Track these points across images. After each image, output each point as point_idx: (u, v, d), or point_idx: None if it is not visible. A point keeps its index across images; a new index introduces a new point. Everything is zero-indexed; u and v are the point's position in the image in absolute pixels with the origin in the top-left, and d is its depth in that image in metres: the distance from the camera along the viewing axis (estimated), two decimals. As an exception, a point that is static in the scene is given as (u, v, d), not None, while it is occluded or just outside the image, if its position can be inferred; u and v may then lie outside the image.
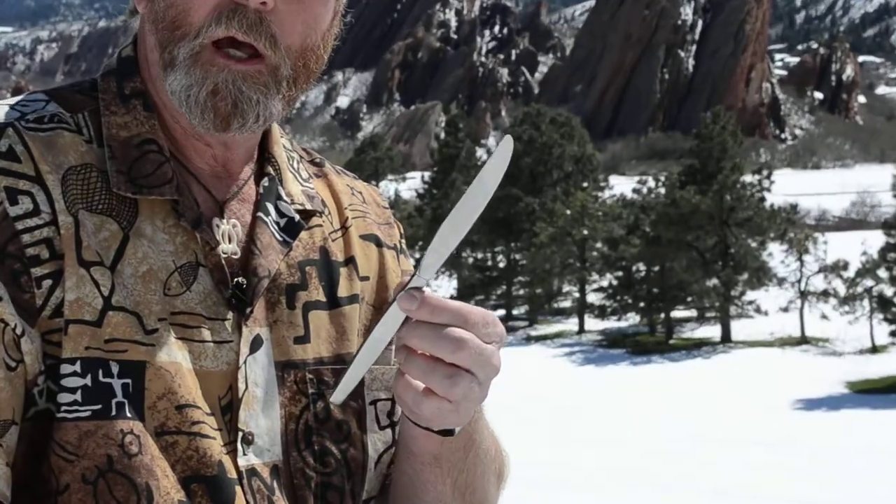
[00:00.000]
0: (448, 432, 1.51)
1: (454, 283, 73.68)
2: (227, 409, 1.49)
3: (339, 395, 1.43)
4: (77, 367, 1.41)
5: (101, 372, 1.41)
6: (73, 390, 1.40)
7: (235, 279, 1.52)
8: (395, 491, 1.65)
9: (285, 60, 1.48)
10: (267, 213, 1.58)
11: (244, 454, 1.49)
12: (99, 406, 1.40)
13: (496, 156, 1.41)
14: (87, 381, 1.41)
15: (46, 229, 1.42)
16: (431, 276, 1.38)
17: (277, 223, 1.58)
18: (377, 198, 1.79)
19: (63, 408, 1.40)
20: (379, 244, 1.72)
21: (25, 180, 1.43)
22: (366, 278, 1.67)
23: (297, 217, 1.60)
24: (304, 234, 1.61)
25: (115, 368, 1.42)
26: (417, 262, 1.41)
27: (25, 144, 1.46)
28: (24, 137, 1.46)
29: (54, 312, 1.41)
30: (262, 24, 1.44)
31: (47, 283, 1.41)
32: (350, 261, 1.66)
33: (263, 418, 1.51)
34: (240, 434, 1.49)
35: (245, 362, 1.50)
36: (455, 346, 1.39)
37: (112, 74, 1.57)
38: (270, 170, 1.61)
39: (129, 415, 1.41)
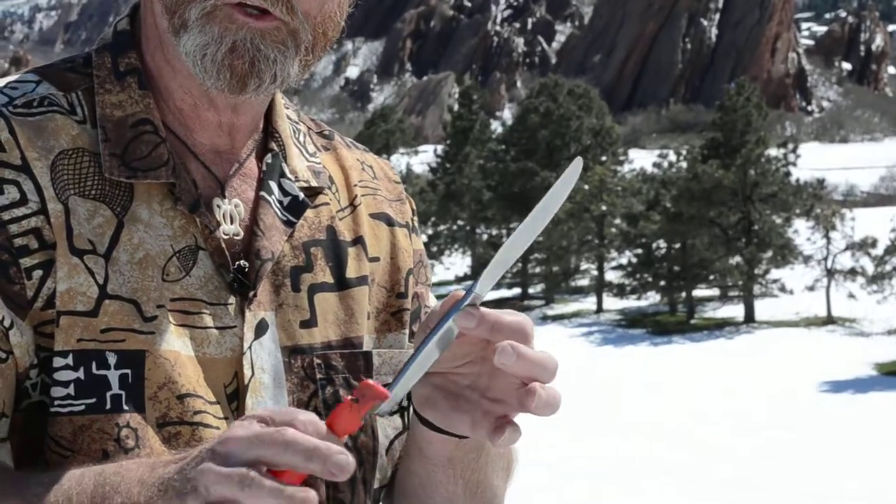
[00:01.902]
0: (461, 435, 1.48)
1: (468, 260, 73.79)
2: (234, 396, 1.49)
3: (385, 408, 1.37)
4: (69, 360, 1.41)
5: (94, 364, 1.41)
6: (65, 384, 1.40)
7: (237, 262, 1.51)
8: (403, 489, 1.65)
9: (304, 25, 1.47)
10: (270, 192, 1.57)
11: None
12: (93, 400, 1.40)
13: (564, 178, 1.41)
14: (80, 374, 1.41)
15: (34, 219, 1.42)
16: (486, 293, 1.35)
17: (281, 202, 1.57)
18: (389, 172, 1.78)
19: (56, 402, 1.40)
20: (390, 223, 1.70)
21: (10, 169, 1.43)
22: (375, 259, 1.66)
23: (302, 196, 1.59)
24: (309, 213, 1.60)
25: (112, 359, 1.42)
26: (475, 281, 1.37)
27: (12, 131, 1.45)
28: (12, 123, 1.46)
29: (46, 304, 1.42)
30: None
31: (38, 273, 1.42)
32: (359, 240, 1.65)
33: (271, 404, 1.51)
34: None
35: (250, 348, 1.50)
36: (548, 374, 1.37)
37: (107, 49, 1.55)
38: (274, 145, 1.60)
39: (125, 408, 1.41)
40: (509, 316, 1.36)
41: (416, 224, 1.77)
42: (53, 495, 1.30)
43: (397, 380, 1.35)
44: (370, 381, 1.22)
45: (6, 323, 1.41)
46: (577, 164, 1.41)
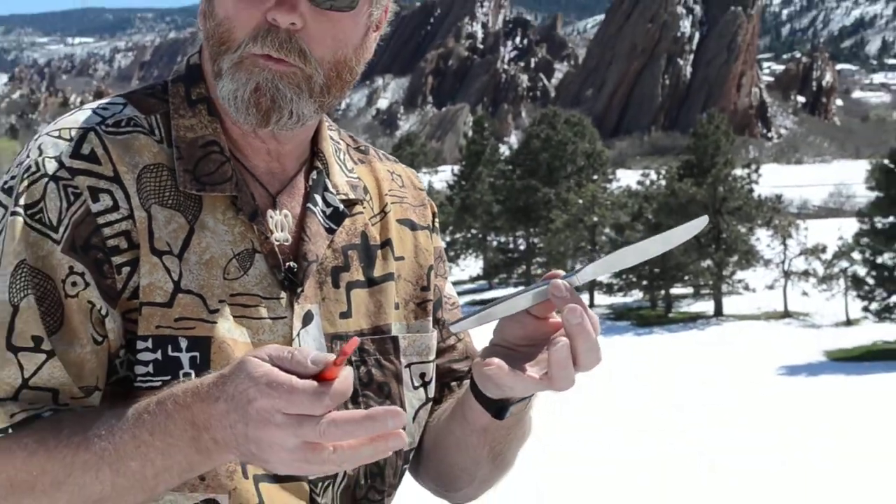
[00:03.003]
0: (500, 415, 1.52)
1: (480, 262, 73.68)
2: None
3: (457, 327, 1.45)
4: (149, 344, 1.43)
5: (169, 347, 1.43)
6: (146, 363, 1.43)
7: (287, 263, 1.53)
8: (440, 443, 1.67)
9: (318, 70, 1.47)
10: (315, 204, 1.58)
11: None
12: (168, 377, 1.42)
13: (688, 226, 1.43)
14: (158, 355, 1.43)
15: (124, 223, 1.44)
16: (585, 282, 1.40)
17: (324, 212, 1.58)
18: (414, 180, 1.78)
19: (139, 378, 1.43)
20: (413, 227, 1.71)
21: (105, 180, 1.44)
22: (401, 258, 1.67)
23: (342, 207, 1.61)
24: (347, 221, 1.61)
25: (184, 344, 1.44)
26: (582, 266, 1.43)
27: (105, 147, 1.46)
28: (105, 141, 1.47)
29: (132, 295, 1.43)
30: (291, 41, 1.44)
31: (126, 269, 1.43)
32: (387, 243, 1.66)
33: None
34: None
35: (298, 335, 1.51)
36: (594, 348, 1.41)
37: (181, 80, 1.57)
38: (319, 164, 1.61)
39: None
40: (591, 316, 1.40)
41: (437, 225, 1.78)
42: (117, 414, 1.36)
43: (486, 309, 1.41)
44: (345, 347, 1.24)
45: (103, 311, 1.42)
46: (703, 220, 1.44)
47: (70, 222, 1.42)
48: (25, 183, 1.43)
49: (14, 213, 1.42)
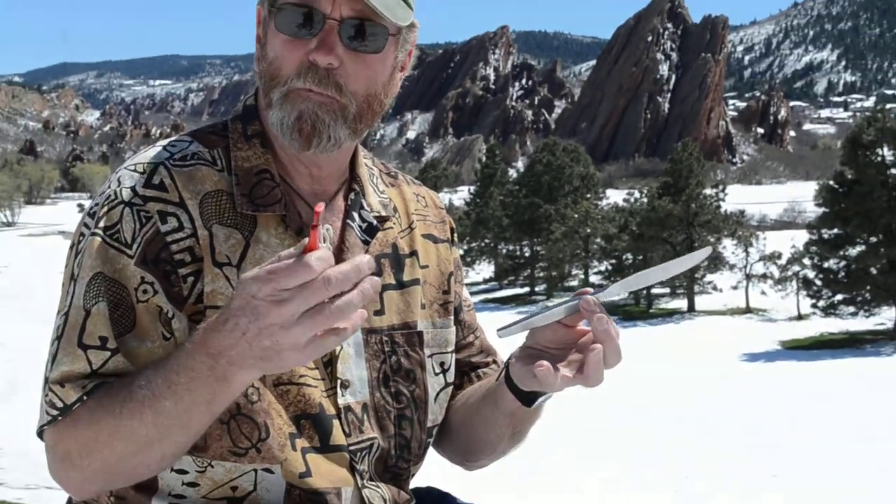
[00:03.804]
0: (529, 403, 1.54)
1: (492, 267, 73.66)
2: (328, 363, 1.51)
3: (504, 333, 1.46)
4: None
5: None
6: None
7: None
8: (467, 421, 1.68)
9: (351, 101, 1.47)
10: (353, 220, 1.58)
11: (342, 396, 1.51)
12: None
13: (694, 255, 1.45)
14: None
15: (188, 240, 1.45)
16: (607, 300, 1.43)
17: (360, 226, 1.59)
18: (436, 200, 1.79)
19: None
20: (435, 241, 1.72)
21: (172, 205, 1.45)
22: (426, 266, 1.68)
23: (375, 222, 1.61)
24: (379, 234, 1.62)
25: None
26: (607, 285, 1.47)
27: (172, 178, 1.47)
28: (172, 172, 1.48)
29: (196, 300, 1.44)
30: (329, 77, 1.45)
31: (190, 279, 1.44)
32: (413, 253, 1.66)
33: (355, 369, 1.53)
34: (338, 381, 1.50)
35: None
36: (615, 350, 1.45)
37: (238, 119, 1.58)
38: (356, 186, 1.62)
39: None
40: (614, 325, 1.43)
41: (455, 238, 1.78)
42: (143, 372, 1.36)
43: (528, 318, 1.45)
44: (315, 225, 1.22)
45: (170, 314, 1.43)
46: (707, 251, 1.46)
47: (142, 240, 1.43)
48: (105, 209, 1.45)
49: (94, 234, 1.44)
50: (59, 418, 1.38)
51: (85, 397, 1.38)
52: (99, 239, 1.43)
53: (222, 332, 1.25)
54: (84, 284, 1.42)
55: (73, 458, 1.37)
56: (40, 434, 1.42)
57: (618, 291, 1.43)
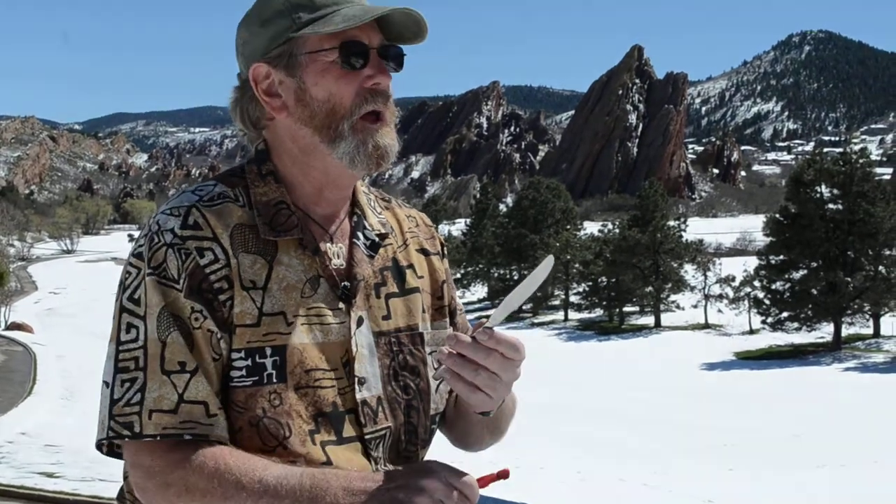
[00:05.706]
0: (486, 414, 1.55)
1: (485, 289, 73.60)
2: (346, 363, 1.51)
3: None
4: (242, 354, 1.44)
5: (257, 356, 1.44)
6: (240, 368, 1.44)
7: (343, 283, 1.54)
8: (456, 426, 1.68)
9: (392, 127, 1.52)
10: (358, 239, 1.59)
11: (360, 391, 1.51)
12: (256, 377, 1.44)
13: (542, 266, 1.42)
14: (249, 362, 1.44)
15: (224, 269, 1.45)
16: (496, 324, 1.40)
17: (365, 244, 1.59)
18: (425, 219, 1.78)
19: (234, 379, 1.44)
20: (427, 254, 1.71)
21: (207, 240, 1.46)
22: (421, 276, 1.67)
23: (377, 239, 1.61)
24: (381, 250, 1.62)
25: (268, 351, 1.45)
26: (489, 315, 1.43)
27: (204, 217, 1.47)
28: (203, 212, 1.47)
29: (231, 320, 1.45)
30: (387, 94, 1.50)
31: (228, 303, 1.45)
32: (410, 266, 1.67)
33: (370, 367, 1.53)
34: (356, 378, 1.51)
35: (354, 334, 1.52)
36: (516, 352, 1.42)
37: (253, 162, 1.59)
38: (358, 210, 1.62)
39: (274, 381, 1.44)
40: (509, 334, 1.40)
41: (445, 251, 1.78)
42: (280, 487, 1.35)
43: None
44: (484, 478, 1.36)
45: (218, 336, 1.44)
46: (549, 261, 1.42)
47: (186, 274, 1.43)
48: (151, 251, 1.45)
49: (149, 275, 1.44)
50: (135, 440, 1.39)
51: (159, 437, 1.39)
52: (152, 279, 1.44)
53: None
54: (154, 320, 1.42)
55: (172, 493, 1.38)
56: (100, 446, 1.43)
57: (499, 318, 1.40)
